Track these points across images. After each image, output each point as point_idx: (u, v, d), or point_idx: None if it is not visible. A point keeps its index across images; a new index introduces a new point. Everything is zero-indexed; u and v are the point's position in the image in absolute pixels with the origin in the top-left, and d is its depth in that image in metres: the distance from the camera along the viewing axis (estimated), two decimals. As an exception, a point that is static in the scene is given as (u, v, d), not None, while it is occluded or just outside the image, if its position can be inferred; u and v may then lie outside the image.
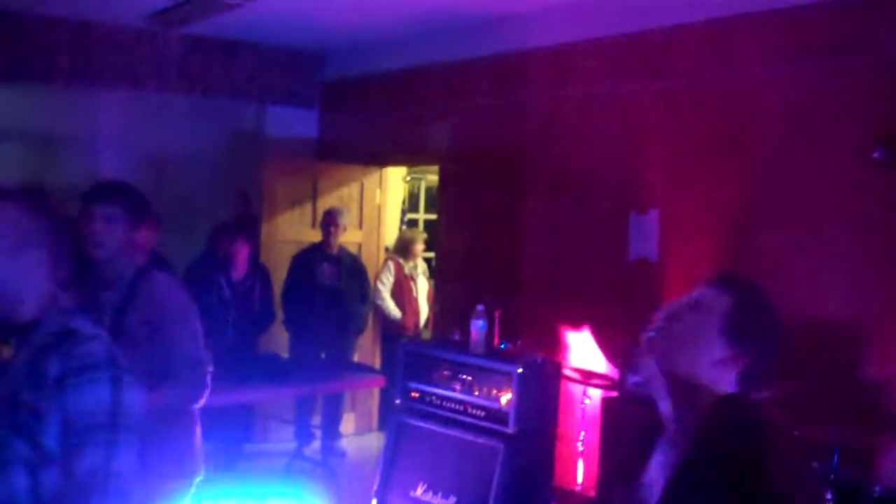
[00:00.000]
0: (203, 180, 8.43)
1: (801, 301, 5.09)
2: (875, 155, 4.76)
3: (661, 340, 2.14)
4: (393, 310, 7.98)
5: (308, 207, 8.16)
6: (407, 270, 8.15)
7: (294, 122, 8.51)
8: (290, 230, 8.09)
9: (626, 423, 5.28)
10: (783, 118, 5.23)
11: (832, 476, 4.00)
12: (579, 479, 5.82)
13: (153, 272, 3.59)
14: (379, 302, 7.99)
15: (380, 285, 8.01)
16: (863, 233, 4.87)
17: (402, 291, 8.09)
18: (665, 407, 2.13)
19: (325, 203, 8.02)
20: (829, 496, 3.96)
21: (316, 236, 7.71)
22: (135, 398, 2.16)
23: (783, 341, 2.19)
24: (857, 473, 4.09)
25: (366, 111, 8.28)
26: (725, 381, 2.07)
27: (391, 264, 8.12)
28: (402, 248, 8.25)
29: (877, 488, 3.89)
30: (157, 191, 8.07)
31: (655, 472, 2.11)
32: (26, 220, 2.23)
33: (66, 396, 2.08)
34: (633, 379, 4.43)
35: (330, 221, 7.53)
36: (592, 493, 5.66)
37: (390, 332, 8.03)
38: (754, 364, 2.09)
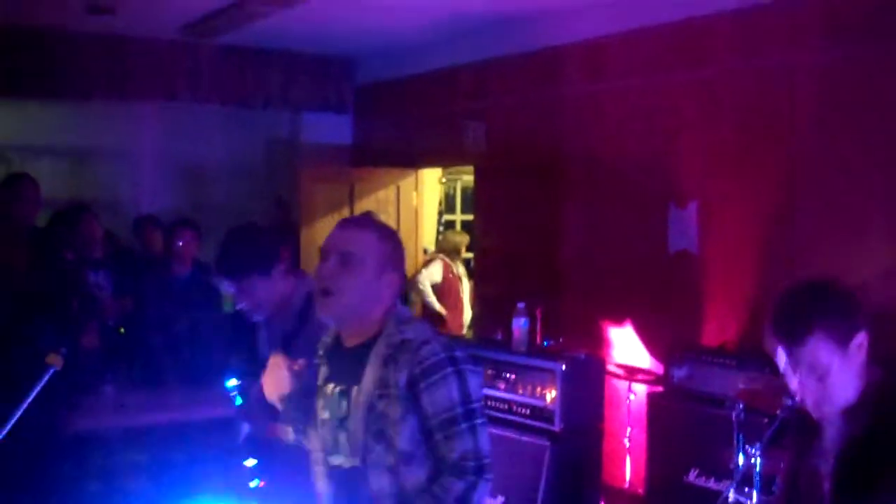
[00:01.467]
0: (240, 189, 8.50)
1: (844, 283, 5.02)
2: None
3: (815, 397, 2.20)
4: (438, 305, 7.98)
5: (345, 212, 8.19)
6: (455, 270, 8.15)
7: (328, 128, 8.54)
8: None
9: (673, 418, 5.25)
10: (821, 105, 5.16)
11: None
12: (627, 476, 5.79)
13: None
14: (428, 299, 7.97)
15: (421, 283, 7.99)
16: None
17: (450, 291, 8.08)
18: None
19: (361, 207, 8.05)
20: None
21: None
22: (476, 384, 2.43)
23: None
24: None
25: (399, 114, 8.30)
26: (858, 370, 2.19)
27: (440, 263, 8.11)
28: (454, 250, 8.22)
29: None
30: (194, 200, 8.19)
31: (814, 460, 2.22)
32: (384, 246, 2.54)
33: (421, 399, 2.37)
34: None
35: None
36: (641, 491, 5.62)
37: None
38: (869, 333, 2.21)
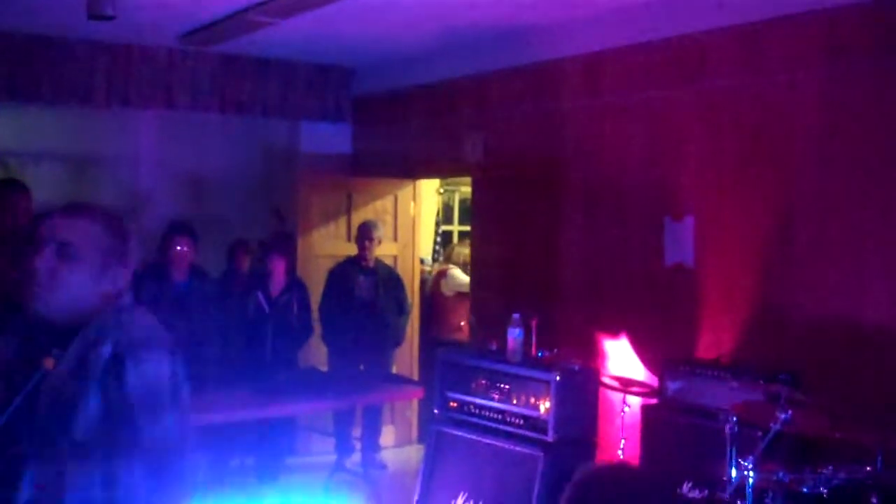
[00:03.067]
0: (238, 197, 8.51)
1: (841, 307, 5.04)
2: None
3: None
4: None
5: (343, 221, 8.21)
6: None
7: (327, 138, 8.56)
8: (326, 245, 8.15)
9: (667, 431, 5.26)
10: (820, 122, 5.18)
11: (876, 480, 3.95)
12: (620, 487, 5.78)
13: None
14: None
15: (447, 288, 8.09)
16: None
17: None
18: None
19: (359, 217, 8.07)
20: (874, 500, 3.90)
21: (351, 250, 7.76)
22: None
23: None
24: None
25: (398, 124, 8.32)
26: None
27: (457, 273, 8.19)
28: (465, 262, 8.24)
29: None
30: (193, 208, 8.21)
31: None
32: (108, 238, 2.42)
33: None
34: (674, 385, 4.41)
35: (365, 235, 7.56)
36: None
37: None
38: None
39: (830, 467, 4.12)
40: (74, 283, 2.37)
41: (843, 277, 5.03)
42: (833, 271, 5.09)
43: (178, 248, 6.20)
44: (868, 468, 4.04)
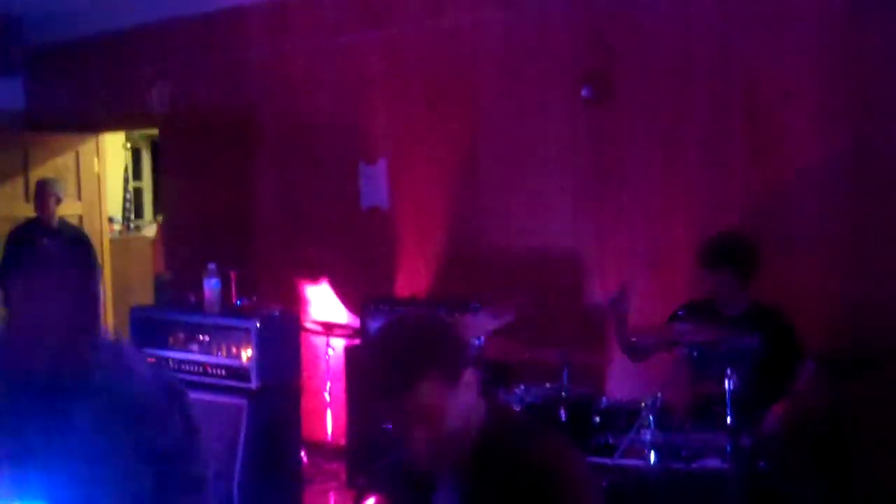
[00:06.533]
0: None
1: (527, 232, 5.33)
2: (583, 93, 5.04)
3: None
4: None
5: (20, 181, 7.62)
6: None
7: (-4, 92, 7.90)
8: (2, 205, 7.53)
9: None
10: (501, 62, 5.42)
11: (563, 394, 4.22)
12: (329, 429, 5.84)
13: None
14: None
15: None
16: (578, 167, 5.15)
17: None
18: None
19: (37, 175, 7.50)
20: (562, 412, 4.17)
21: (31, 210, 7.22)
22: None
23: None
24: (585, 389, 4.34)
25: (78, 77, 7.81)
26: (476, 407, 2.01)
27: None
28: None
29: (603, 400, 4.14)
30: None
31: None
32: None
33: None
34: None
35: (43, 193, 7.05)
36: (343, 442, 5.70)
37: None
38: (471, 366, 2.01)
39: (522, 386, 4.36)
40: None
41: (528, 206, 5.32)
42: (515, 204, 5.37)
43: None
44: (555, 385, 4.30)
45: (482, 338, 4.40)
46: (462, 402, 1.93)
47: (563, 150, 5.20)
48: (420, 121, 5.78)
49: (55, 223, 7.10)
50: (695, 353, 4.00)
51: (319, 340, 5.92)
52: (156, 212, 8.75)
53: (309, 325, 5.82)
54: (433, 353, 1.91)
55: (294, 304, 6.11)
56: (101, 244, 7.83)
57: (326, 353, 5.78)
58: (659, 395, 3.64)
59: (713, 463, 3.55)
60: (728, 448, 3.49)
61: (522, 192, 5.36)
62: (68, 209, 7.45)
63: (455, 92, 5.61)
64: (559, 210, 5.24)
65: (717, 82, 4.68)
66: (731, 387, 3.53)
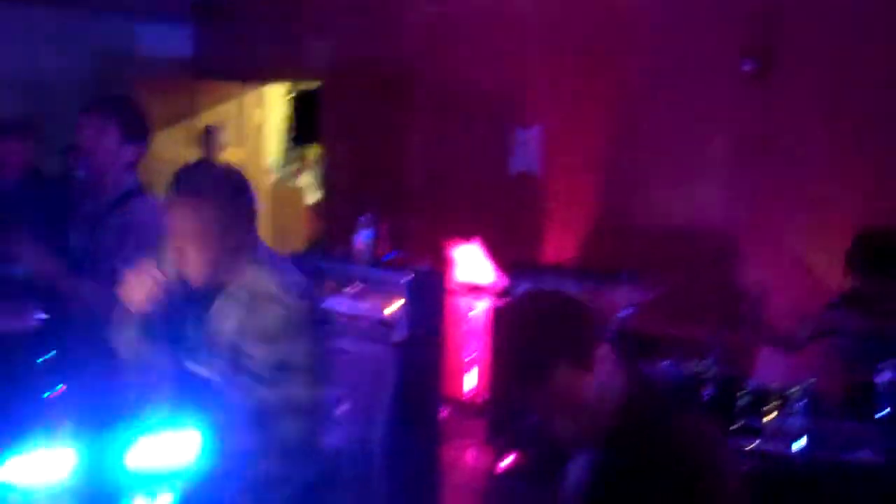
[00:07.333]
0: (70, 102, 8.05)
1: (679, 209, 5.23)
2: (744, 67, 4.89)
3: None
4: None
5: (186, 126, 7.92)
6: None
7: (166, 40, 8.17)
8: (169, 150, 7.84)
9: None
10: (659, 32, 5.31)
11: (709, 373, 4.14)
12: (468, 387, 5.91)
13: None
14: None
15: None
16: (736, 143, 5.02)
17: None
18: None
19: (203, 121, 7.80)
20: (707, 392, 4.09)
21: (196, 155, 7.50)
22: (316, 335, 2.52)
23: None
24: (732, 371, 4.25)
25: (243, 27, 8.03)
26: (617, 382, 1.99)
27: None
28: None
29: (750, 382, 4.04)
30: (23, 113, 7.73)
31: (577, 469, 2.04)
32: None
33: (281, 345, 2.43)
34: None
35: (208, 139, 7.32)
36: (482, 401, 5.76)
37: None
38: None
39: (667, 362, 4.30)
40: None
41: (682, 181, 5.22)
42: (671, 178, 5.27)
43: (5, 147, 5.86)
44: (702, 363, 4.22)
45: (629, 309, 4.36)
46: (597, 380, 1.92)
47: (721, 124, 5.07)
48: (577, 89, 5.72)
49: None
50: (850, 343, 3.87)
51: (463, 300, 5.98)
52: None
53: (454, 284, 5.88)
54: (563, 341, 1.92)
55: (441, 263, 6.18)
56: (260, 193, 8.07)
57: (469, 313, 5.83)
58: (812, 380, 3.54)
59: (865, 454, 3.43)
60: (881, 440, 3.37)
61: (677, 164, 5.25)
62: (231, 155, 7.72)
63: (613, 61, 5.53)
64: (715, 185, 5.12)
65: (888, 57, 4.46)
66: (887, 378, 3.41)
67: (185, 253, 2.45)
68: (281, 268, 2.58)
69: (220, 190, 2.48)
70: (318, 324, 2.56)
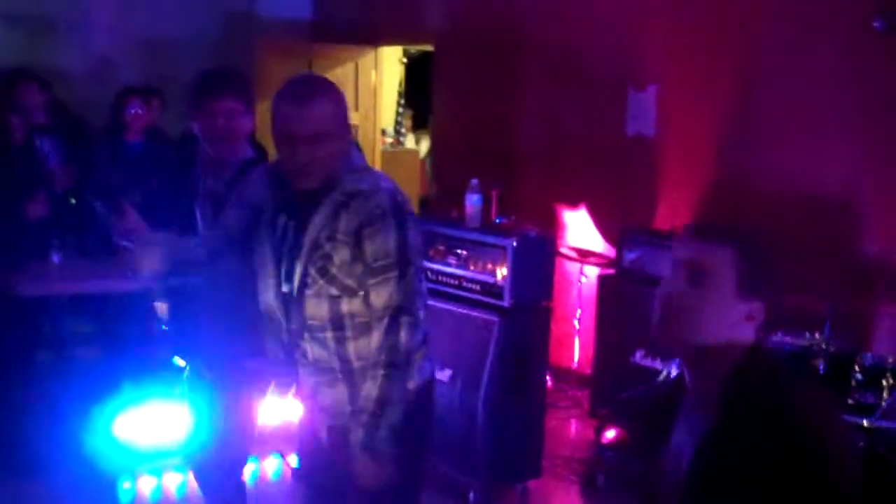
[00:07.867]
0: (198, 62, 8.26)
1: (800, 170, 5.05)
2: (875, 24, 4.66)
3: (674, 327, 1.91)
4: None
5: (303, 89, 8.04)
6: None
7: (286, 2, 8.31)
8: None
9: (623, 301, 5.30)
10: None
11: (824, 345, 4.01)
12: (576, 356, 5.87)
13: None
14: None
15: None
16: (863, 103, 4.80)
17: None
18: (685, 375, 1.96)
19: (319, 84, 7.90)
20: (821, 364, 3.97)
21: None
22: (415, 236, 2.67)
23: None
24: (848, 343, 4.11)
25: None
26: (745, 335, 1.88)
27: None
28: None
29: (868, 356, 3.90)
30: (150, 73, 7.99)
31: (682, 438, 1.95)
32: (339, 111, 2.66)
33: (363, 245, 2.58)
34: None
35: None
36: (588, 371, 5.71)
37: None
38: (773, 307, 1.91)
39: (780, 333, 4.18)
40: None
41: (805, 143, 5.03)
42: (791, 141, 5.09)
43: (132, 110, 6.06)
44: (816, 334, 4.09)
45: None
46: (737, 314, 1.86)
47: (846, 85, 4.85)
48: (694, 48, 5.56)
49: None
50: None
51: (573, 266, 5.93)
52: (415, 127, 8.96)
53: (564, 250, 5.83)
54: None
55: (551, 228, 6.13)
56: (374, 155, 8.16)
57: (579, 280, 5.78)
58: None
59: None
60: None
61: (798, 126, 5.06)
62: (345, 118, 7.81)
63: (732, 19, 5.34)
64: (837, 149, 4.91)
65: None
66: None
67: (301, 153, 2.56)
68: (374, 173, 2.76)
69: (333, 93, 2.64)
70: (410, 220, 2.66)
